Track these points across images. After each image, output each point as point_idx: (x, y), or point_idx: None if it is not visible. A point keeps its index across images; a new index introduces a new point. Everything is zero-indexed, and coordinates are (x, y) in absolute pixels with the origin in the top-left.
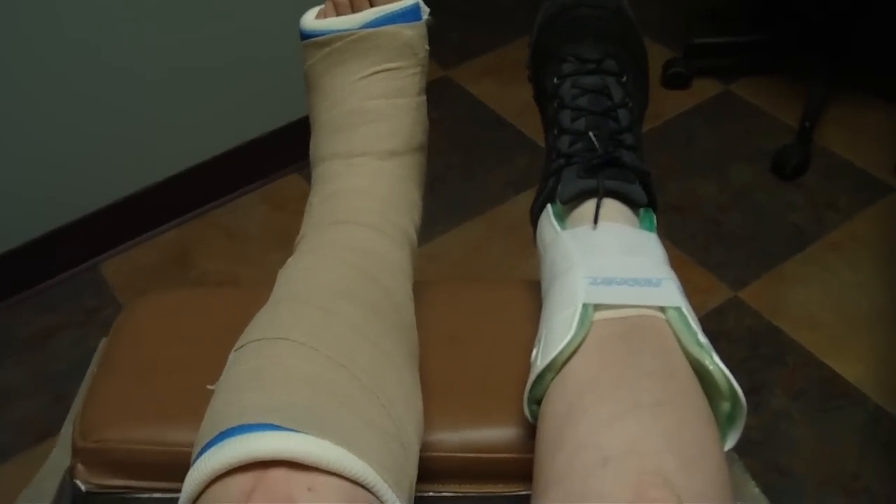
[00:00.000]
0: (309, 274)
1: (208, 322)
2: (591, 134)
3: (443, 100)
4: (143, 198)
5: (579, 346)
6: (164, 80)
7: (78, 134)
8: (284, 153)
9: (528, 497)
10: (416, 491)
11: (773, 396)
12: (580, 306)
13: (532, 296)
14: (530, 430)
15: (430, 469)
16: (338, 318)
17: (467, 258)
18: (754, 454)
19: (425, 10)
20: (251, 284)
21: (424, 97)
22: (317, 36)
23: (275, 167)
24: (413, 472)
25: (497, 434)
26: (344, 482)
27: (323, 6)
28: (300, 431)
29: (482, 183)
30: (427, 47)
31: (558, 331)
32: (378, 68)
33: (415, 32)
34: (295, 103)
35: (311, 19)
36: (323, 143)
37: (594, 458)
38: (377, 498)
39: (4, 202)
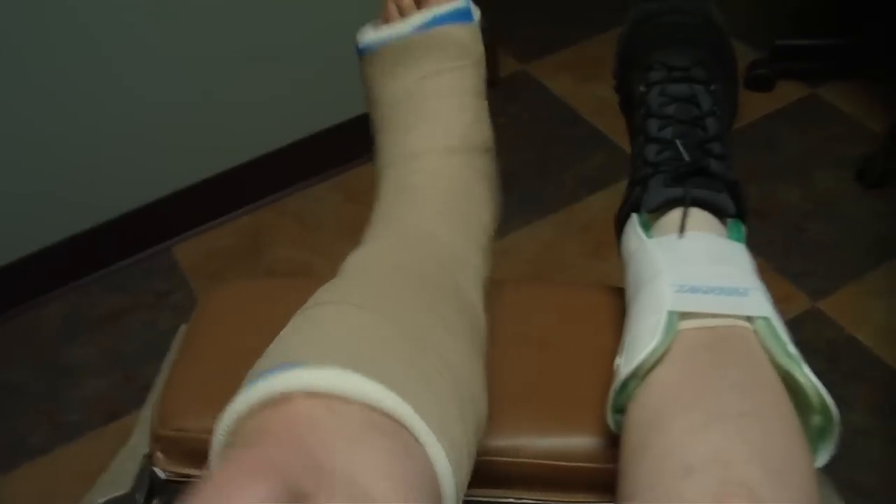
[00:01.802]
0: (373, 257)
1: (287, 312)
2: (678, 143)
3: (519, 94)
4: (217, 182)
5: (664, 354)
6: (242, 66)
7: (156, 117)
8: (360, 143)
9: None
10: (497, 497)
11: (853, 412)
12: (665, 314)
13: (616, 302)
14: (613, 440)
15: (511, 475)
16: (399, 289)
17: (540, 256)
18: (830, 470)
19: (476, 11)
20: (324, 274)
21: (483, 98)
22: (371, 48)
23: (350, 157)
24: (472, 448)
25: (579, 442)
26: (372, 412)
27: (375, 21)
28: (326, 366)
29: (556, 181)
30: (482, 48)
31: (643, 338)
32: (431, 69)
33: (466, 32)
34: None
35: (365, 34)
36: (383, 149)
37: (678, 468)
38: (414, 437)
39: (81, 184)
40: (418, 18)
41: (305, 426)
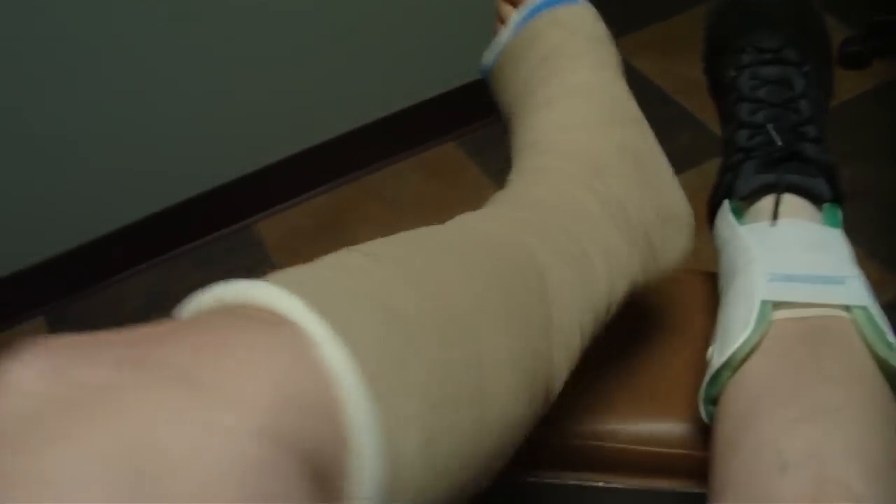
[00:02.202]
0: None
1: None
2: (769, 127)
3: None
4: (300, 160)
5: (757, 345)
6: (328, 44)
7: (240, 95)
8: (442, 121)
9: (698, 496)
10: (584, 481)
11: None
12: (758, 303)
13: (709, 288)
14: (704, 427)
15: (601, 460)
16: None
17: None
18: None
19: None
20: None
21: (606, 72)
22: (488, 66)
23: (432, 135)
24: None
25: (669, 429)
26: (260, 311)
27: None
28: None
29: None
30: (592, 23)
31: (736, 328)
32: (541, 55)
33: (569, 12)
34: (453, 72)
35: (483, 57)
36: (513, 146)
37: (772, 463)
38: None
39: (167, 161)
40: (516, 17)
41: (179, 325)
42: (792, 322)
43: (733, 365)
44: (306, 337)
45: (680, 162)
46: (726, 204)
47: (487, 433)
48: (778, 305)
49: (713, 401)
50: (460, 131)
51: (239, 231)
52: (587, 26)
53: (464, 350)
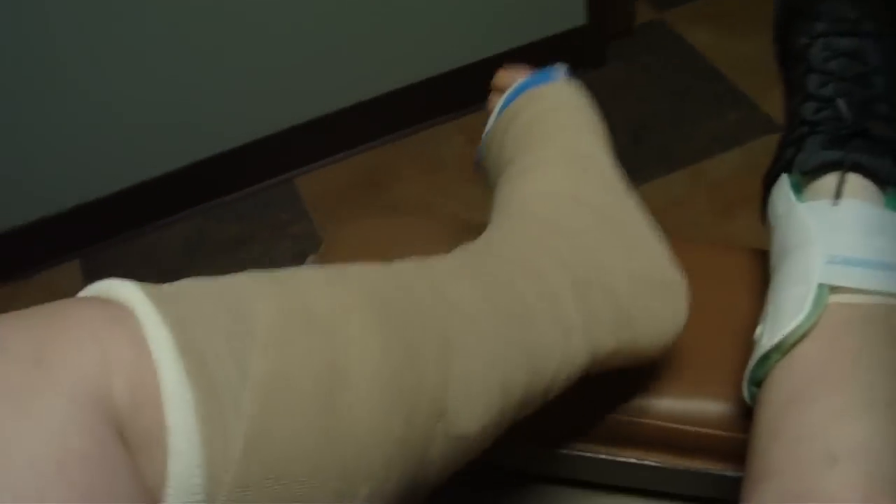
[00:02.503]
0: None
1: (409, 251)
2: (839, 101)
3: (654, 44)
4: (342, 117)
5: (810, 329)
6: (373, 2)
7: (286, 49)
8: (485, 85)
9: (733, 479)
10: (617, 456)
11: None
12: (815, 286)
13: (753, 265)
14: (744, 409)
15: (635, 435)
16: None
17: (666, 211)
18: None
19: (560, 70)
20: (445, 215)
21: (587, 141)
22: (481, 152)
23: (474, 98)
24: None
25: (708, 408)
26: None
27: None
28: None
29: (688, 135)
30: (573, 98)
31: (788, 310)
32: (521, 128)
33: (550, 89)
34: (500, 38)
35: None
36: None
37: (819, 455)
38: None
39: (210, 111)
40: (500, 101)
41: (36, 309)
42: (849, 308)
43: (783, 348)
44: (137, 318)
45: (727, 139)
46: (785, 178)
47: (341, 445)
48: (834, 290)
49: (758, 383)
50: None
51: (278, 185)
52: (568, 99)
53: (322, 356)
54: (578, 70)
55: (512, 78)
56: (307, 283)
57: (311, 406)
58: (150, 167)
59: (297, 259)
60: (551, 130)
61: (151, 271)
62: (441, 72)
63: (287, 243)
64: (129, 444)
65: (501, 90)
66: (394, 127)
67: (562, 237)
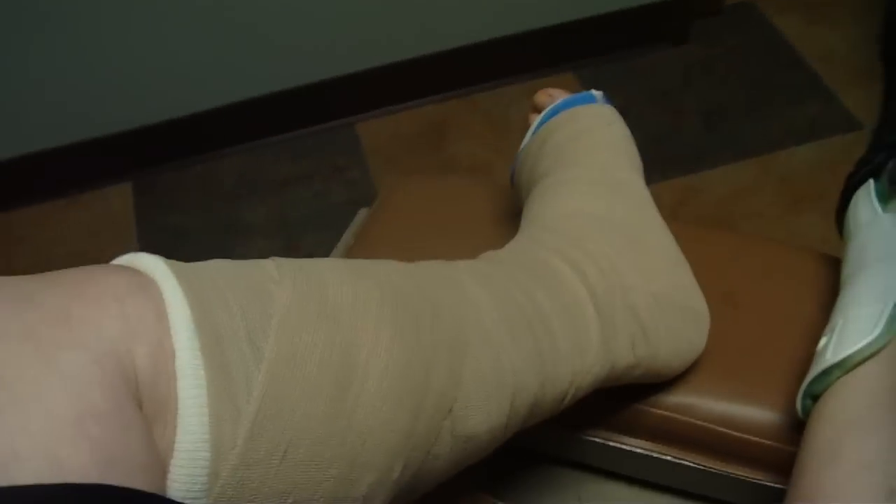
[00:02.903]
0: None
1: (464, 213)
2: None
3: (740, 27)
4: (411, 66)
5: (880, 350)
6: None
7: None
8: (560, 50)
9: (771, 489)
10: (654, 452)
11: None
12: (892, 305)
13: (823, 271)
14: (794, 421)
15: (674, 433)
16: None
17: (731, 199)
18: None
19: (598, 95)
20: (505, 176)
21: (619, 165)
22: (514, 167)
23: (549, 63)
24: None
25: (754, 414)
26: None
27: None
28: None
29: (763, 124)
30: (608, 121)
31: (859, 327)
32: (555, 147)
33: (586, 110)
34: (582, 2)
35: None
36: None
37: (878, 487)
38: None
39: (276, 47)
40: (537, 120)
41: (68, 271)
42: None
43: (848, 366)
44: (160, 291)
45: (803, 132)
46: (871, 185)
47: (346, 433)
48: None
49: (814, 397)
50: (578, 63)
51: (339, 128)
52: (604, 121)
53: (335, 344)
54: (658, 46)
55: (551, 97)
56: (328, 272)
57: (319, 392)
58: (211, 98)
59: (348, 206)
60: (585, 150)
61: (202, 200)
62: (519, 31)
63: (340, 188)
64: (145, 409)
65: (539, 109)
66: (464, 82)
67: (586, 254)
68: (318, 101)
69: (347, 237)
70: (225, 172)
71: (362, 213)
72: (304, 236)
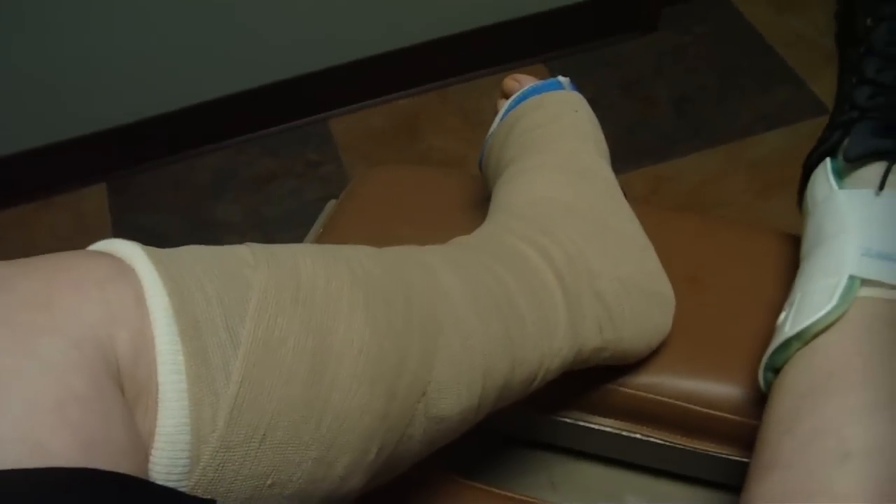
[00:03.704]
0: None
1: (435, 202)
2: None
3: (708, 15)
4: (383, 60)
5: (836, 320)
6: None
7: None
8: (532, 41)
9: (738, 463)
10: (623, 430)
11: None
12: (846, 277)
13: (785, 250)
14: (756, 395)
15: (643, 411)
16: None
17: (702, 187)
18: None
19: (564, 82)
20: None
21: (586, 151)
22: (482, 155)
23: (519, 54)
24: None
25: (720, 390)
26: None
27: None
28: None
29: (733, 111)
30: (575, 107)
31: (816, 299)
32: (521, 134)
33: (553, 97)
34: None
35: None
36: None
37: (832, 451)
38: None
39: (248, 44)
40: (504, 106)
41: (46, 258)
42: (879, 303)
43: (806, 337)
44: (138, 276)
45: (773, 118)
46: (828, 163)
47: (323, 415)
48: (866, 283)
49: (775, 370)
50: (549, 54)
51: (312, 124)
52: (572, 108)
53: (310, 329)
54: (628, 35)
55: (519, 83)
56: (301, 258)
57: (296, 376)
58: (184, 97)
59: (323, 202)
60: (552, 137)
61: (177, 200)
62: (488, 23)
63: (315, 184)
64: (126, 394)
65: (508, 95)
66: (436, 76)
67: (553, 240)
68: (290, 98)
69: (317, 227)
70: (200, 172)
71: (332, 204)
72: (280, 233)
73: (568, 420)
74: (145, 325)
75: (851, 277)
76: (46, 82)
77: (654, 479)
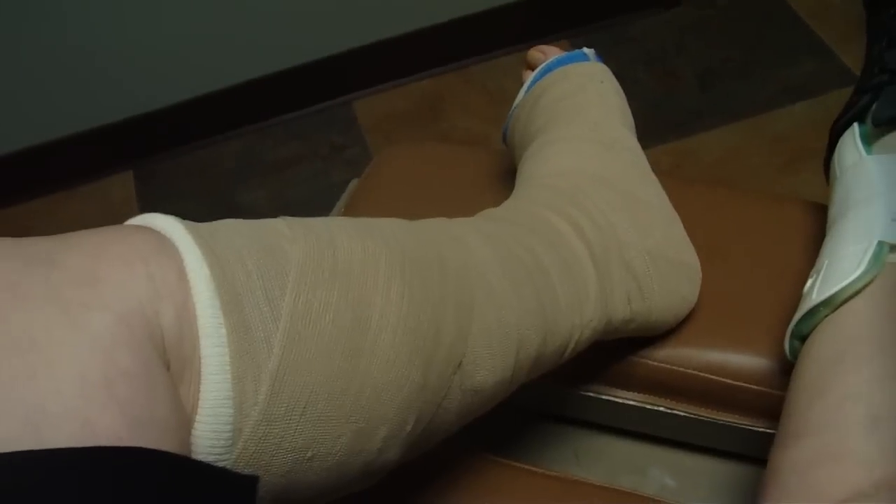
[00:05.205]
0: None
1: (458, 178)
2: None
3: None
4: (405, 41)
5: (865, 287)
6: None
7: None
8: (553, 18)
9: (763, 435)
10: (647, 403)
11: None
12: (875, 243)
13: (811, 219)
14: (783, 365)
15: (666, 383)
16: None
17: (725, 161)
18: None
19: (590, 53)
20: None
21: (612, 123)
22: (506, 129)
23: (542, 32)
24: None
25: (745, 361)
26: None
27: None
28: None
29: (758, 84)
30: (600, 79)
31: (844, 265)
32: (547, 105)
33: (578, 68)
34: None
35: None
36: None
37: (862, 415)
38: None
39: (271, 28)
40: (529, 78)
41: (88, 232)
42: None
43: (834, 304)
44: (175, 246)
45: (799, 90)
46: (856, 128)
47: (362, 387)
48: (895, 249)
49: (802, 338)
50: (571, 32)
51: (336, 107)
52: (598, 80)
53: (348, 301)
54: (651, 10)
55: (544, 55)
56: (336, 230)
57: (335, 348)
58: (207, 83)
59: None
60: (579, 107)
61: (203, 186)
62: (511, 2)
63: (340, 167)
64: (171, 369)
65: (533, 66)
66: (458, 55)
67: (582, 211)
68: (313, 81)
69: (339, 207)
70: (225, 157)
71: (354, 184)
72: (306, 216)
73: (591, 394)
74: (188, 300)
75: (880, 243)
76: (69, 72)
77: (677, 452)
